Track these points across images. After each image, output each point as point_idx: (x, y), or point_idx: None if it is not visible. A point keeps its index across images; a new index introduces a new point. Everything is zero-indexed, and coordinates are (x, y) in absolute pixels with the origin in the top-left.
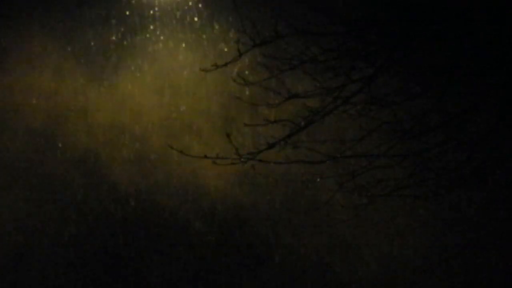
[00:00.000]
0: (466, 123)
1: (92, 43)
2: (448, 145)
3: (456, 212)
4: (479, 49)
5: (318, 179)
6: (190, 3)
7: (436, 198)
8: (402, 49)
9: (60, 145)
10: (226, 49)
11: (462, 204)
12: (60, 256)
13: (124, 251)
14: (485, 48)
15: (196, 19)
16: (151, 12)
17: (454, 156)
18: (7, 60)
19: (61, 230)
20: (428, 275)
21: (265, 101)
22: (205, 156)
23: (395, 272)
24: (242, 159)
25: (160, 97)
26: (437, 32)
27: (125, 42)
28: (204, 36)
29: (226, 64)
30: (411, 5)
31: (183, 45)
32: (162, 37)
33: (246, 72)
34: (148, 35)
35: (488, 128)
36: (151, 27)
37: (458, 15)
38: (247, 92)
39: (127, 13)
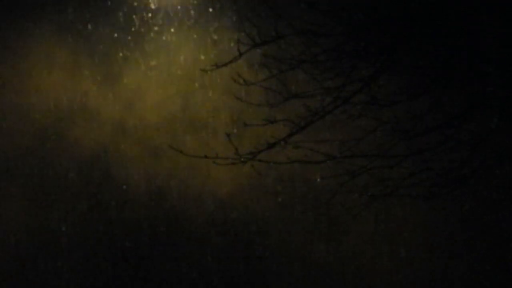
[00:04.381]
0: (466, 123)
1: (95, 44)
2: (448, 145)
3: (456, 212)
4: (479, 49)
5: (318, 179)
6: (190, 3)
7: (436, 198)
8: (402, 49)
9: (65, 145)
10: (226, 49)
11: (462, 204)
12: (64, 257)
13: (128, 252)
14: (485, 48)
15: (196, 19)
16: (151, 12)
17: (454, 156)
18: (11, 59)
19: (65, 230)
20: (427, 275)
21: (265, 101)
22: (205, 156)
23: (394, 272)
24: (242, 159)
25: (159, 97)
26: (437, 32)
27: (124, 43)
28: (204, 36)
29: (226, 64)
30: (411, 5)
31: (183, 45)
32: (161, 37)
33: (246, 72)
34: (147, 35)
35: (488, 128)
36: (151, 27)
37: (458, 15)
38: (247, 92)
39: (127, 13)
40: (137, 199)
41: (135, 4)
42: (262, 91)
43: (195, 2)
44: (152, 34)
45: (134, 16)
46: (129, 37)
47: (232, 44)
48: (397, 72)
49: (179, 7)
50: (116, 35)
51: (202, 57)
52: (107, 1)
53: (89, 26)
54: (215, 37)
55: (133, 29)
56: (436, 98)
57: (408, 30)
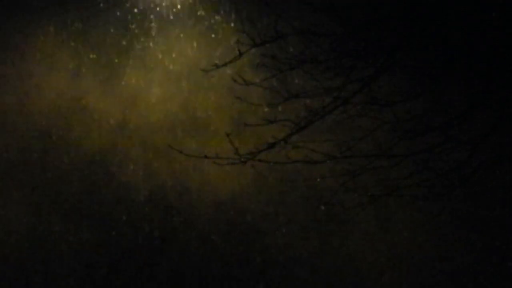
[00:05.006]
0: (466, 123)
1: (95, 43)
2: (448, 145)
3: (456, 212)
4: (479, 49)
5: (318, 179)
6: (191, 4)
7: (436, 198)
8: (402, 49)
9: (65, 145)
10: (226, 49)
11: (462, 204)
12: (64, 257)
13: (128, 252)
14: (485, 48)
15: (196, 19)
16: (151, 12)
17: (454, 156)
18: (12, 58)
19: (65, 230)
20: (427, 275)
21: (265, 101)
22: (205, 156)
23: (394, 272)
24: (242, 159)
25: (159, 98)
26: (437, 32)
27: (125, 43)
28: (204, 36)
29: (226, 64)
30: (411, 5)
31: (183, 45)
32: (161, 38)
33: (246, 72)
34: (148, 35)
35: (488, 128)
36: (151, 27)
37: (458, 15)
38: (247, 92)
39: (127, 12)
40: (137, 199)
41: (136, 3)
42: (262, 91)
43: (196, 2)
44: (152, 34)
45: (134, 16)
46: (130, 37)
47: (232, 44)
48: (397, 72)
49: (179, 7)
50: (117, 35)
51: (203, 57)
52: (108, 1)
53: (90, 26)
54: (215, 37)
55: (133, 28)
56: (436, 98)
57: (408, 30)
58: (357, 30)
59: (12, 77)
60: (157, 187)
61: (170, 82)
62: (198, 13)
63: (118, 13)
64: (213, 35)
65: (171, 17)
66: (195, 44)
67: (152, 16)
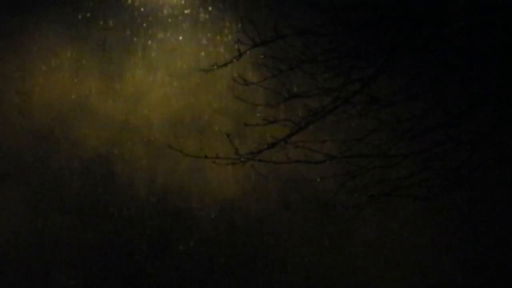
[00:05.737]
0: (466, 123)
1: (97, 44)
2: (448, 145)
3: (456, 212)
4: (479, 49)
5: (318, 179)
6: (191, 3)
7: (436, 198)
8: (402, 49)
9: (66, 145)
10: (226, 49)
11: (462, 204)
12: (65, 258)
13: (130, 252)
14: (485, 48)
15: (196, 19)
16: (152, 12)
17: (454, 156)
18: (13, 58)
19: (67, 231)
20: (427, 275)
21: (265, 101)
22: (205, 156)
23: (394, 272)
24: (242, 159)
25: (160, 98)
26: (437, 32)
27: (126, 43)
28: (204, 36)
29: (226, 64)
30: (411, 5)
31: (183, 45)
32: (161, 38)
33: (246, 72)
34: (148, 35)
35: (488, 128)
36: (151, 27)
37: (458, 15)
38: (247, 92)
39: (128, 12)
40: (139, 199)
41: (136, 3)
42: (262, 91)
43: (195, 2)
44: (153, 34)
45: (135, 16)
46: (131, 37)
47: (232, 44)
48: (397, 72)
49: (179, 7)
50: (118, 34)
51: (203, 57)
52: (109, 1)
53: (91, 26)
54: (215, 37)
55: (134, 28)
56: (436, 98)
57: (408, 30)
58: (357, 30)
59: (12, 77)
60: (158, 187)
61: (170, 83)
62: (198, 13)
63: (118, 12)
64: (213, 35)
65: (172, 17)
66: (195, 44)
67: (152, 16)
